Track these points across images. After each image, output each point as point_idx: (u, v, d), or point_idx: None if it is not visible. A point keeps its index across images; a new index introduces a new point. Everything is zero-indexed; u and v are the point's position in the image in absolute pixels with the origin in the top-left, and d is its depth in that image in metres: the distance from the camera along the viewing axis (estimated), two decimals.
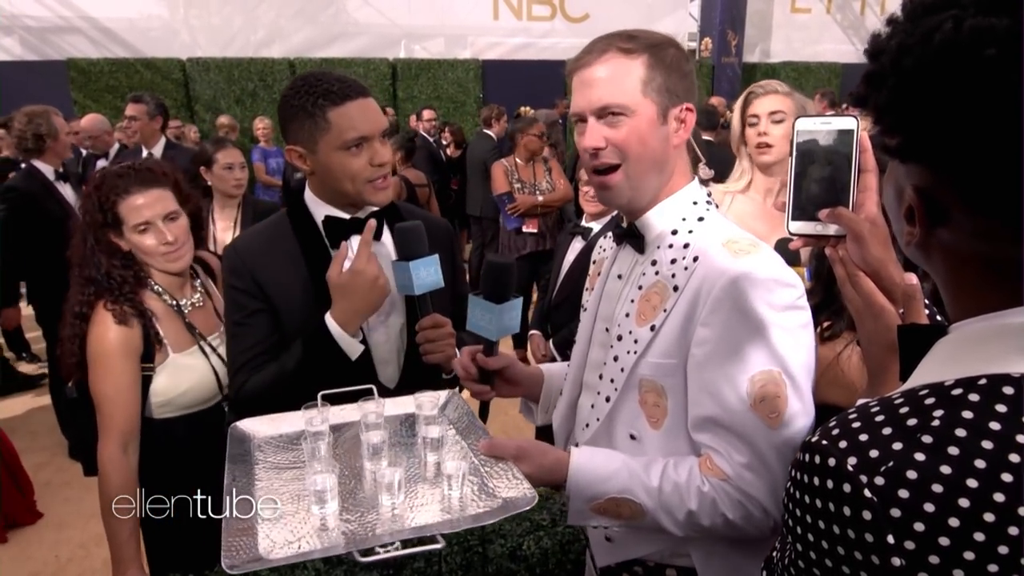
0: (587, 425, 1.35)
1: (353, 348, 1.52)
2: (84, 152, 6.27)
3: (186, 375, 2.02)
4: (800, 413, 1.14)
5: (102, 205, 1.94)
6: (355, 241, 1.61)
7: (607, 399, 1.29)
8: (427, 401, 1.34)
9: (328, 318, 1.50)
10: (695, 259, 1.19)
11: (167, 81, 10.44)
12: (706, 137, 5.13)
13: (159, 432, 2.02)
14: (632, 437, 1.27)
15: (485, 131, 6.96)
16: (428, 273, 1.49)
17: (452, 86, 11.71)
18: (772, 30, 13.77)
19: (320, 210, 1.63)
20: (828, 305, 1.48)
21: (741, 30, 12.76)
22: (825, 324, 1.45)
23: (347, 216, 1.62)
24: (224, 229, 3.48)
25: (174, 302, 2.06)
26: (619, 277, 1.35)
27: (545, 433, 1.54)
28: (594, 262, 1.52)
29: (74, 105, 9.65)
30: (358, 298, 1.48)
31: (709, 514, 1.16)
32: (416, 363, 1.62)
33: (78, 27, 10.31)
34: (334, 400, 1.36)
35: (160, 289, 2.04)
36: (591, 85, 1.22)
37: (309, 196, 1.65)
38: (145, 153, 4.73)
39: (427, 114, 8.38)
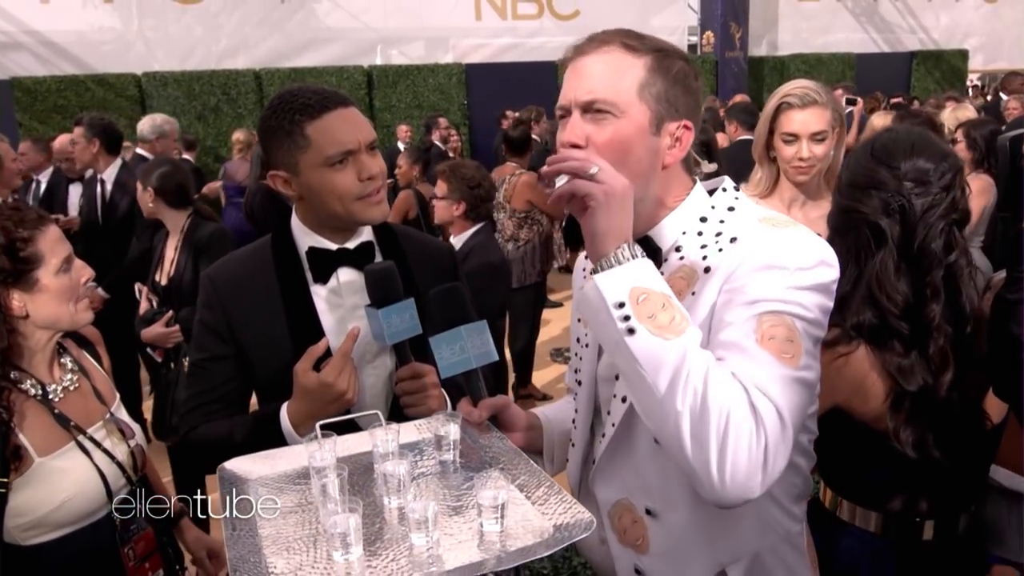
0: (603, 435, 1.34)
1: None
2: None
3: (61, 482, 1.66)
4: (813, 366, 1.14)
5: None
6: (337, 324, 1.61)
7: (623, 400, 1.25)
8: (448, 421, 1.30)
9: (283, 412, 1.51)
10: (732, 240, 1.19)
11: (121, 98, 10.38)
12: (748, 137, 5.23)
13: (29, 562, 1.66)
14: (657, 441, 1.21)
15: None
16: (402, 320, 1.47)
17: (433, 93, 11.73)
18: (778, 20, 13.92)
19: (305, 240, 1.63)
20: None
21: (745, 22, 12.91)
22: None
23: (334, 247, 1.62)
24: (172, 260, 3.40)
25: (37, 388, 1.70)
26: None
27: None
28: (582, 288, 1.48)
29: (19, 128, 9.57)
30: (316, 407, 1.48)
31: (723, 390, 1.05)
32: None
33: (22, 43, 10.25)
34: (334, 430, 1.35)
35: (15, 376, 1.67)
36: (583, 76, 1.21)
37: (296, 224, 1.65)
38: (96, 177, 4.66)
39: (443, 121, 9.01)
